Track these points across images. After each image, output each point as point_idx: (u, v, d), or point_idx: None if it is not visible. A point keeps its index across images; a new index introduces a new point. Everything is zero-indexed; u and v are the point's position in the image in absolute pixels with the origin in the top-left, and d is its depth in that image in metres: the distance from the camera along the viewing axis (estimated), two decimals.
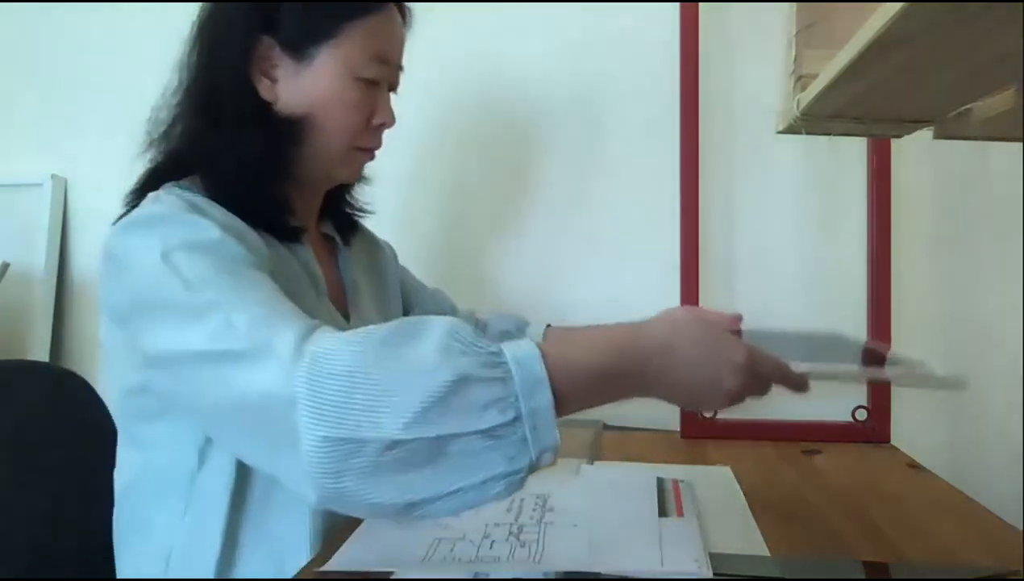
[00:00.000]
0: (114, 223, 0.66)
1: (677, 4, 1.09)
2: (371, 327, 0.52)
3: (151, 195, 0.67)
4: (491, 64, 1.19)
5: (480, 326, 1.00)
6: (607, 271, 1.19)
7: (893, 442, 1.03)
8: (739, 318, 0.80)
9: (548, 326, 0.99)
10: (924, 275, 1.13)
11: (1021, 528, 0.69)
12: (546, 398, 0.50)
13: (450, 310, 1.02)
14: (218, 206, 0.65)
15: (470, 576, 0.57)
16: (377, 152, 0.79)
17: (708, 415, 0.93)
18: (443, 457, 0.48)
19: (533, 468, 0.51)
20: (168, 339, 0.56)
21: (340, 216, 0.87)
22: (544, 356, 0.51)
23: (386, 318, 0.81)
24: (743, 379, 0.55)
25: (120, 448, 0.71)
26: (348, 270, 0.84)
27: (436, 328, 0.51)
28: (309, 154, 0.73)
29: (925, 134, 0.66)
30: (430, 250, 1.21)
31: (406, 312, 0.97)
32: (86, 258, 1.31)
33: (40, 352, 1.26)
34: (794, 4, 0.58)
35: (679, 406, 0.57)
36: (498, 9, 1.18)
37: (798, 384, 0.59)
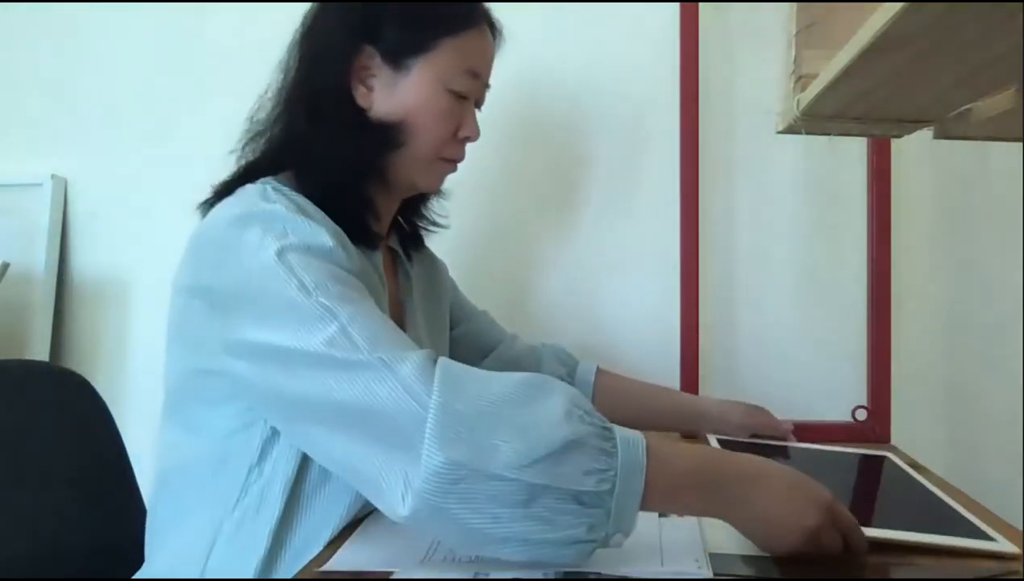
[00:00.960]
0: (204, 208, 0.70)
1: (677, 4, 1.09)
2: (493, 373, 0.57)
3: (248, 187, 0.68)
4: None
5: (536, 359, 1.00)
6: (606, 271, 1.19)
7: (893, 442, 1.03)
8: (791, 428, 0.95)
9: (598, 368, 1.00)
10: (924, 275, 1.13)
11: (1021, 528, 0.69)
12: (639, 484, 0.54)
13: (499, 335, 1.01)
14: (319, 210, 0.68)
15: (470, 576, 0.57)
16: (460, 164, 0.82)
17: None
18: (535, 505, 0.52)
19: (604, 544, 0.54)
20: (279, 336, 0.58)
21: (409, 229, 0.89)
22: (648, 447, 0.55)
23: (435, 338, 0.89)
24: (822, 521, 0.56)
25: (167, 430, 0.71)
26: (408, 285, 0.85)
27: (562, 391, 0.56)
28: (398, 160, 0.75)
29: (925, 134, 0.66)
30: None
31: (451, 330, 0.97)
32: (86, 258, 1.31)
33: (40, 352, 1.26)
34: (794, 4, 0.58)
35: (754, 539, 0.58)
36: (495, 10, 1.18)
37: (860, 546, 0.59)
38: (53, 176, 1.30)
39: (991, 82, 0.50)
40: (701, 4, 1.08)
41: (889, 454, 0.88)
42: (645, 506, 0.54)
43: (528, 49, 1.19)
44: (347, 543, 0.64)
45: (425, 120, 0.74)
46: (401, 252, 0.86)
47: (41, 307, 1.28)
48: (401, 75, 0.73)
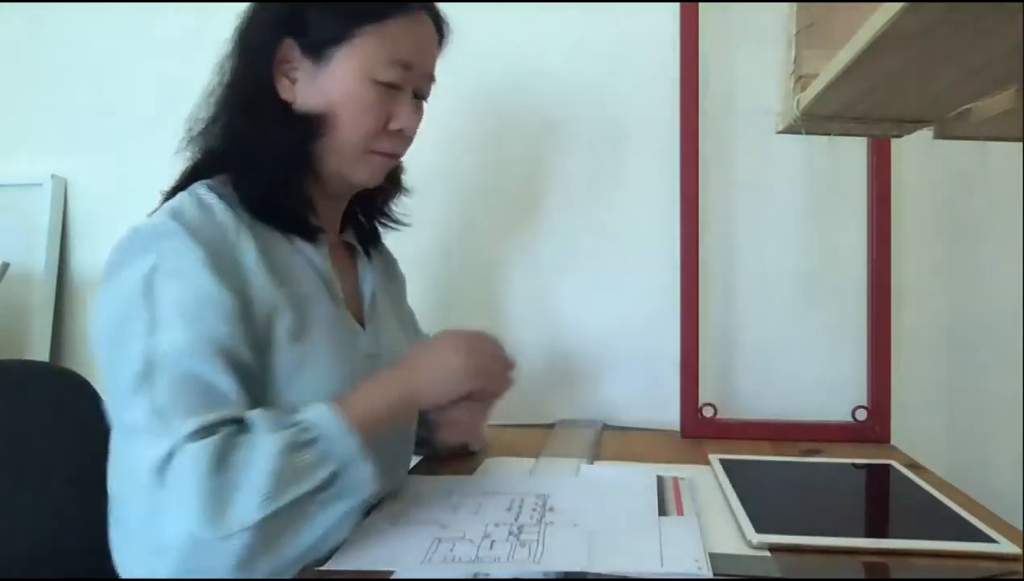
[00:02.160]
0: (149, 216, 0.70)
1: (677, 4, 1.09)
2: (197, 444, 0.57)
3: (170, 203, 0.69)
4: (487, 65, 1.19)
5: None
6: (607, 270, 1.19)
7: (893, 442, 1.03)
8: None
9: None
10: (924, 275, 1.13)
11: (1021, 528, 0.69)
12: (352, 443, 0.61)
13: None
14: (230, 212, 0.69)
15: (470, 576, 0.57)
16: (402, 158, 0.81)
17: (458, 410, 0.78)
18: (299, 518, 0.58)
19: (372, 499, 0.63)
20: (110, 385, 0.64)
21: (366, 226, 0.89)
22: (334, 410, 0.62)
23: (402, 331, 0.89)
24: (465, 356, 0.70)
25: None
26: (367, 280, 0.84)
27: (261, 425, 0.59)
28: (325, 153, 0.74)
29: (925, 134, 0.66)
30: (429, 256, 1.21)
31: None
32: (86, 258, 1.31)
33: (40, 352, 1.26)
34: (794, 4, 0.58)
35: (440, 400, 0.71)
36: (496, 10, 1.18)
37: (508, 365, 0.75)
38: (53, 176, 1.30)
39: (991, 82, 0.50)
40: (701, 4, 1.08)
41: (892, 462, 0.88)
42: (370, 439, 0.62)
43: (528, 48, 1.19)
44: (347, 543, 0.64)
45: (348, 112, 0.73)
46: (359, 247, 0.86)
47: (41, 307, 1.28)
48: (322, 67, 0.72)
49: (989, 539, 0.64)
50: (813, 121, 0.61)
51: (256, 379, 0.65)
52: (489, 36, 1.19)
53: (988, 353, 1.10)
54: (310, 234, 0.75)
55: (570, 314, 1.20)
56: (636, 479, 0.81)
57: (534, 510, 0.71)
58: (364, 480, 0.61)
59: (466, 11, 1.19)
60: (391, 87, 0.74)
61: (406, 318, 0.96)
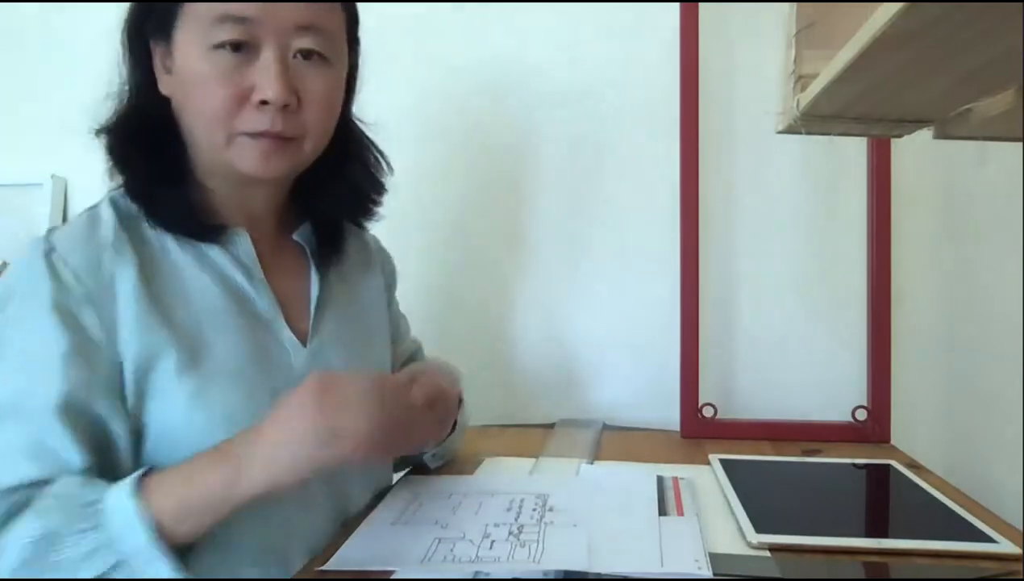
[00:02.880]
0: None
1: (677, 4, 1.09)
2: None
3: (80, 214, 0.67)
4: (487, 64, 1.19)
5: None
6: (607, 270, 1.19)
7: (893, 442, 1.03)
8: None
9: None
10: (924, 275, 1.13)
11: (1021, 528, 0.69)
12: (142, 534, 0.52)
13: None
14: (98, 240, 0.64)
15: (470, 576, 0.57)
16: (304, 141, 0.68)
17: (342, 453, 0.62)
18: None
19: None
20: None
21: (324, 223, 0.78)
22: (138, 492, 0.53)
23: (362, 347, 0.77)
24: (315, 416, 0.55)
25: None
26: (320, 284, 0.75)
27: (31, 505, 0.54)
28: (194, 143, 0.68)
29: (925, 134, 0.66)
30: (426, 258, 1.21)
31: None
32: None
33: None
34: (794, 4, 0.58)
35: (296, 478, 0.56)
36: (496, 9, 1.18)
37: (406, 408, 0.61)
38: (53, 176, 1.30)
39: (991, 82, 0.50)
40: (701, 4, 1.08)
41: (892, 462, 0.88)
42: (172, 534, 0.53)
43: (527, 49, 1.19)
44: (347, 543, 0.64)
45: (192, 89, 0.64)
46: (307, 248, 0.76)
47: None
48: (173, 50, 0.65)
49: (989, 539, 0.64)
50: (813, 121, 0.61)
51: (110, 428, 0.59)
52: (487, 36, 1.20)
53: (988, 353, 1.10)
54: (205, 234, 0.68)
55: (569, 314, 1.20)
56: (636, 479, 0.81)
57: (534, 510, 0.71)
58: (160, 573, 0.52)
59: (464, 10, 1.20)
60: (238, 50, 0.63)
61: (377, 328, 0.84)
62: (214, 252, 0.69)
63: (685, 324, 1.08)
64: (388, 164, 0.81)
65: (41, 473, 0.56)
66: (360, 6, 0.75)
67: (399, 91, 1.17)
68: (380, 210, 0.82)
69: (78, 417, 0.57)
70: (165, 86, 0.67)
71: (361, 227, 0.85)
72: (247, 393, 0.64)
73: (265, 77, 0.63)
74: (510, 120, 1.20)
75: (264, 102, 0.63)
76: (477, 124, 1.21)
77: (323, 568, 0.60)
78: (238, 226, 0.71)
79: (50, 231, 0.64)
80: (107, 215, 0.66)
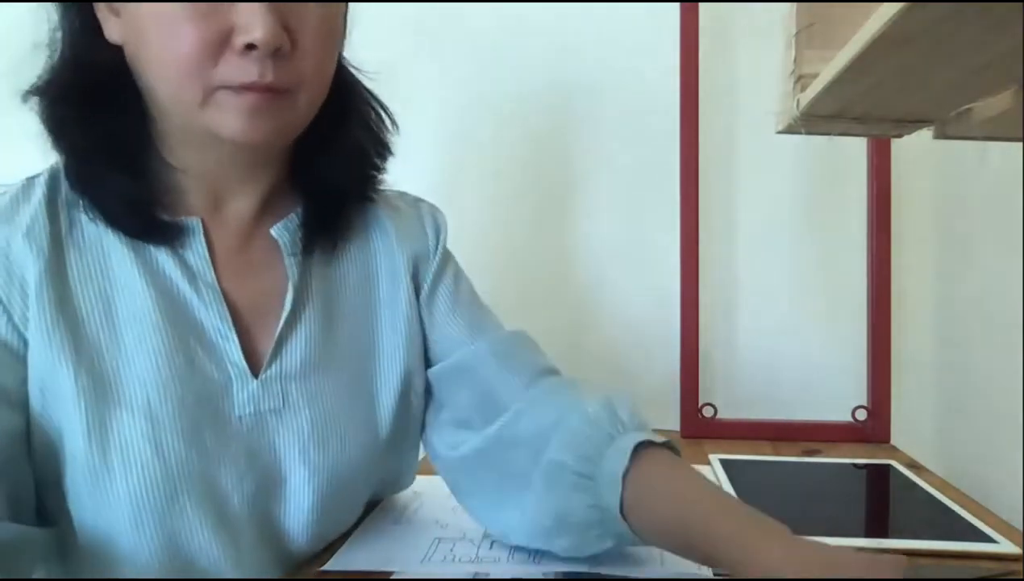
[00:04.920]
0: None
1: (677, 4, 1.09)
2: None
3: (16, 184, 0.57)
4: (487, 64, 1.19)
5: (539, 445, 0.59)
6: (603, 271, 1.19)
7: (893, 442, 1.03)
8: None
9: (636, 457, 0.55)
10: (924, 274, 1.13)
11: (1021, 528, 0.69)
12: None
13: (506, 397, 0.63)
14: (16, 219, 0.54)
15: (470, 576, 0.57)
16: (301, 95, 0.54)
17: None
18: None
19: None
20: None
21: (318, 204, 0.63)
22: None
23: (349, 381, 0.61)
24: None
25: None
26: (295, 290, 0.60)
27: None
28: (161, 105, 0.53)
29: (925, 134, 0.66)
30: None
31: (431, 366, 0.67)
32: None
33: None
34: (793, 4, 0.58)
35: None
36: (496, 9, 1.18)
37: None
38: None
39: (991, 82, 0.50)
40: (701, 4, 1.08)
41: (892, 462, 0.88)
42: None
43: (526, 47, 1.19)
44: (347, 543, 0.64)
45: (153, 34, 0.50)
46: (282, 243, 0.60)
47: None
48: None
49: (989, 539, 0.64)
50: (813, 121, 0.61)
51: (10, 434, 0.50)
52: (487, 35, 1.19)
53: (988, 353, 1.10)
54: (153, 232, 0.56)
55: (566, 313, 1.20)
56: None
57: None
58: None
59: (465, 10, 1.19)
60: None
61: (376, 348, 0.64)
62: (161, 250, 0.56)
63: (685, 323, 1.08)
64: (392, 119, 0.66)
65: None
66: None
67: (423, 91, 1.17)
68: (383, 177, 0.67)
69: None
70: (113, 30, 0.53)
71: (365, 199, 0.66)
72: (153, 433, 0.52)
73: (250, 14, 0.49)
74: (505, 119, 1.20)
75: (250, 46, 0.49)
76: (473, 122, 1.20)
77: (324, 568, 0.60)
78: (197, 216, 0.57)
79: None
80: (38, 193, 0.55)
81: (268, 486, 0.57)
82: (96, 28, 0.54)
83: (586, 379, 0.66)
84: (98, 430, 0.51)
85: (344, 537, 0.65)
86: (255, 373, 0.57)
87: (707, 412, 1.07)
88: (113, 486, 0.51)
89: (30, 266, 0.52)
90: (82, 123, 0.54)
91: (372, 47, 0.72)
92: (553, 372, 0.67)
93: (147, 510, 0.51)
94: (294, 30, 0.52)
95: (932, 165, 1.12)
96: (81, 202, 0.55)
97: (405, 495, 0.76)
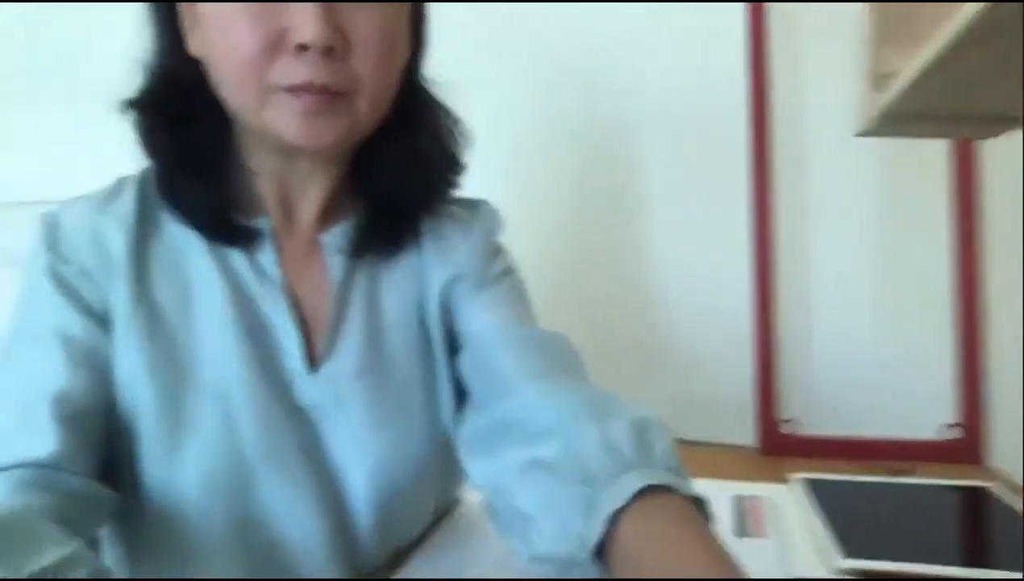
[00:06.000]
0: None
1: (745, 4, 1.06)
2: None
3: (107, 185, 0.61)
4: (552, 64, 1.18)
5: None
6: (672, 281, 1.16)
7: (988, 462, 0.97)
8: None
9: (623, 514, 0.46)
10: (1014, 286, 1.06)
11: None
12: None
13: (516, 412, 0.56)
14: (116, 210, 0.58)
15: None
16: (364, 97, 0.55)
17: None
18: None
19: None
20: None
21: (378, 212, 0.64)
22: None
23: (401, 385, 0.61)
24: None
25: None
26: (339, 293, 0.61)
27: None
28: (231, 109, 0.56)
29: (1012, 137, 0.62)
30: None
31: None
32: None
33: None
34: (867, 3, 0.56)
35: None
36: (560, 8, 1.18)
37: None
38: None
39: None
40: (770, 3, 1.05)
41: (988, 484, 0.83)
42: None
43: (590, 47, 1.17)
44: (418, 551, 0.64)
45: (216, 38, 0.53)
46: (331, 247, 0.62)
47: None
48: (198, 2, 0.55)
49: None
50: (892, 123, 0.58)
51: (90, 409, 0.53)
52: (550, 36, 1.18)
53: None
54: (231, 236, 0.59)
55: (633, 326, 1.17)
56: (710, 498, 0.78)
57: None
58: None
59: (528, 10, 1.19)
60: None
61: (415, 356, 0.63)
62: (234, 252, 0.59)
63: (759, 337, 1.04)
64: (465, 134, 0.66)
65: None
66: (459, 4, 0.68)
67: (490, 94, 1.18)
68: (451, 191, 0.67)
69: (66, 411, 0.52)
70: (194, 43, 0.56)
71: (427, 211, 0.66)
72: (224, 416, 0.55)
73: (301, 14, 0.50)
74: (570, 122, 1.19)
75: (303, 46, 0.51)
76: (535, 123, 1.20)
77: (396, 577, 0.60)
78: (266, 217, 0.60)
79: (66, 201, 0.60)
80: (130, 190, 0.59)
81: (330, 480, 0.58)
82: (181, 40, 0.57)
83: (620, 394, 0.57)
84: (171, 406, 0.55)
85: (414, 546, 0.65)
86: (313, 370, 0.59)
87: (786, 427, 1.03)
88: (184, 462, 0.54)
89: (119, 249, 0.56)
90: (168, 134, 0.57)
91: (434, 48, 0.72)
92: (577, 377, 0.60)
93: (218, 486, 0.54)
94: (348, 31, 0.53)
95: (1019, 169, 1.05)
96: (166, 204, 0.59)
97: (477, 507, 0.75)
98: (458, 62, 0.67)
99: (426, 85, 0.65)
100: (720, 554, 0.40)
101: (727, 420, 1.10)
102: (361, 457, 0.59)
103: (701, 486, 0.69)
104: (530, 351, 0.60)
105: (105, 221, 0.57)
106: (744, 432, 1.05)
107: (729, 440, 1.08)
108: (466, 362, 0.62)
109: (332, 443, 0.59)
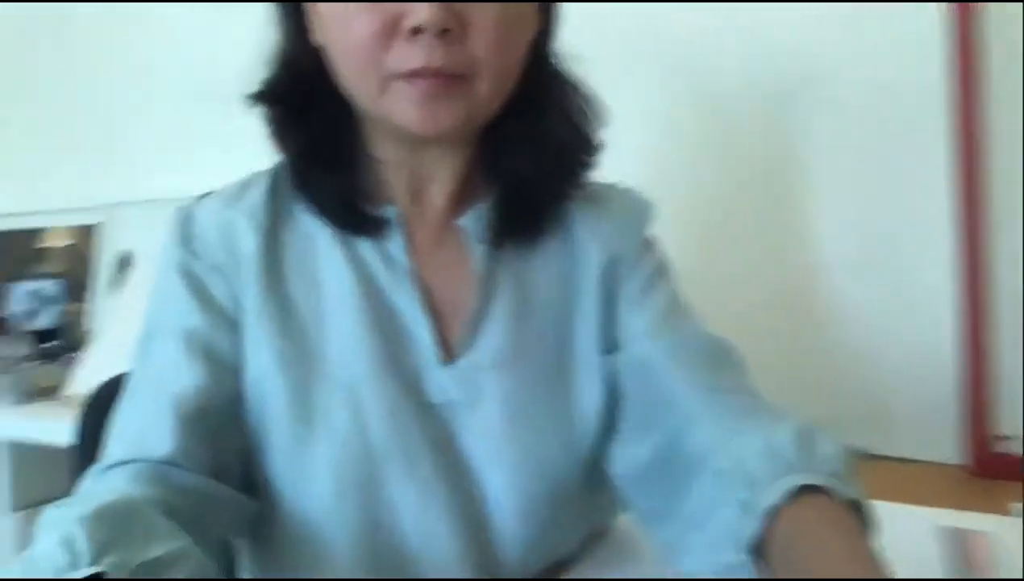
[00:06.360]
0: None
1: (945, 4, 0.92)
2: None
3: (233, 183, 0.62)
4: (734, 46, 1.08)
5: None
6: (848, 274, 1.03)
7: None
8: None
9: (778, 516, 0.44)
10: None
11: None
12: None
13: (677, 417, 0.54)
14: (246, 202, 0.59)
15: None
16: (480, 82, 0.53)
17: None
18: None
19: None
20: None
21: (511, 196, 0.60)
22: None
23: (547, 379, 0.58)
24: None
25: None
26: (483, 281, 0.59)
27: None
28: (352, 98, 0.56)
29: None
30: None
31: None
32: None
33: None
34: None
35: None
36: (752, 9, 1.07)
37: None
38: None
39: None
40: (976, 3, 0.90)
41: None
42: None
43: (782, 40, 1.06)
44: (574, 566, 0.59)
45: (334, 26, 0.53)
46: (471, 232, 0.59)
47: None
48: None
49: None
50: None
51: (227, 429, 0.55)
52: (726, 19, 1.09)
53: None
54: (360, 225, 0.58)
55: (802, 329, 1.05)
56: (910, 527, 0.65)
57: None
58: None
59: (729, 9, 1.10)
60: None
61: (569, 345, 0.60)
62: (365, 239, 0.59)
63: (968, 337, 0.90)
64: (599, 113, 0.62)
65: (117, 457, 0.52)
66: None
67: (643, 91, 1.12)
68: (588, 172, 0.63)
69: (183, 406, 0.53)
70: (317, 33, 0.56)
71: (564, 195, 0.62)
72: (355, 408, 0.54)
73: (415, 4, 0.49)
74: (756, 109, 1.08)
75: (417, 29, 0.49)
76: (708, 110, 1.11)
77: None
78: (394, 205, 0.59)
79: (200, 196, 0.61)
80: (262, 184, 0.60)
81: (464, 483, 0.55)
82: (305, 32, 0.56)
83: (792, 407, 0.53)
84: (301, 399, 0.54)
85: (561, 566, 0.60)
86: (447, 363, 0.57)
87: (1002, 446, 0.87)
88: (315, 457, 0.54)
89: (249, 243, 0.57)
90: (298, 126, 0.58)
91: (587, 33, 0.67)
92: (746, 392, 0.56)
93: (348, 483, 0.53)
94: (465, 13, 0.51)
95: None
96: (298, 196, 0.59)
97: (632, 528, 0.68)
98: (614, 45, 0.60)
99: (555, 62, 0.61)
100: (867, 559, 0.40)
101: (923, 433, 0.95)
102: (498, 457, 0.56)
103: (895, 513, 0.56)
104: (697, 363, 0.56)
105: (236, 216, 0.58)
106: (942, 447, 0.90)
107: (923, 456, 0.93)
108: (625, 371, 0.59)
109: (466, 441, 0.56)
